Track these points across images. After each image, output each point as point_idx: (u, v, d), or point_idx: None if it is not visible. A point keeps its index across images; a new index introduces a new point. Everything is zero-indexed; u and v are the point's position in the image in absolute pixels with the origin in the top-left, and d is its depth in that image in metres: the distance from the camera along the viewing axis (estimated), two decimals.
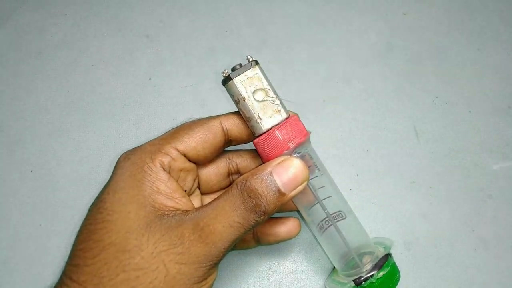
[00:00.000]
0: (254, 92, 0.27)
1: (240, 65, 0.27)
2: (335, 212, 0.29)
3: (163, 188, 0.25)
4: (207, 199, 0.31)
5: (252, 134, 0.28)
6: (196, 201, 0.30)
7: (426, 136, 0.41)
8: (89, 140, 0.41)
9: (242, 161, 0.32)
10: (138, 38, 0.46)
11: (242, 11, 0.48)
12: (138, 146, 0.27)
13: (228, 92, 0.28)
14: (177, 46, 0.46)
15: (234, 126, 0.29)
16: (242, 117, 0.28)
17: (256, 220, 0.24)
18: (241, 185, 0.25)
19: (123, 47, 0.46)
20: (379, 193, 0.38)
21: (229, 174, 0.32)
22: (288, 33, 0.47)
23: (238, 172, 0.32)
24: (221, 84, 0.28)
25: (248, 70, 0.27)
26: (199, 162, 0.29)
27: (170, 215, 0.24)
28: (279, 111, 0.27)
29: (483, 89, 0.44)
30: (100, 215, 0.24)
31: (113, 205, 0.24)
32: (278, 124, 0.27)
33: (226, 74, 0.27)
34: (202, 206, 0.25)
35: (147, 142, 0.28)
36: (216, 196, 0.27)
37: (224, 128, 0.28)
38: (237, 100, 0.27)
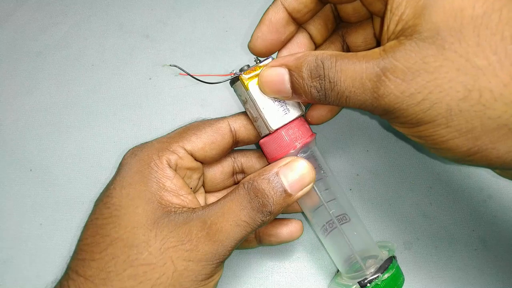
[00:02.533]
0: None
1: (248, 66, 0.27)
2: (340, 215, 0.29)
3: (169, 184, 0.25)
4: (211, 197, 0.31)
5: (258, 134, 0.28)
6: (200, 198, 0.30)
7: None
8: (89, 139, 0.41)
9: (247, 161, 0.32)
10: (138, 38, 0.46)
11: (242, 11, 0.48)
12: (145, 143, 0.28)
13: (235, 92, 0.28)
14: (177, 46, 0.46)
15: (242, 127, 0.29)
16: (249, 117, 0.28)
17: (262, 220, 0.25)
18: (248, 185, 0.25)
19: (123, 47, 0.46)
20: (379, 193, 0.38)
21: (234, 173, 0.32)
22: None
23: (243, 172, 0.32)
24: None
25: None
26: (205, 162, 0.29)
27: (177, 212, 0.24)
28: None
29: None
30: (107, 210, 0.24)
31: (120, 200, 0.24)
32: (284, 124, 0.27)
33: (234, 75, 0.27)
34: (209, 205, 0.25)
35: (155, 139, 0.28)
36: (220, 195, 0.27)
37: (232, 129, 0.29)
38: (245, 100, 0.27)
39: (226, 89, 0.43)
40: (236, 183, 0.32)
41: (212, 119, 0.29)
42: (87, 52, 0.45)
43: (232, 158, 0.32)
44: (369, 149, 0.40)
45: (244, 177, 0.31)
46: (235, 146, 0.30)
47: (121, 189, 0.25)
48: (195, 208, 0.25)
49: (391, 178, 0.39)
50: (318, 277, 0.35)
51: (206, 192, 0.31)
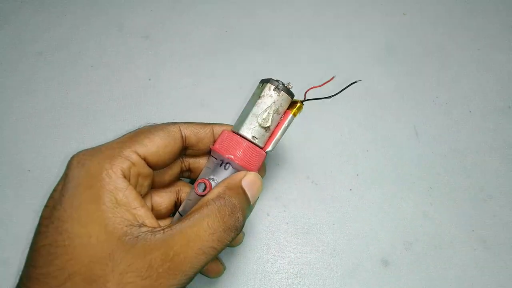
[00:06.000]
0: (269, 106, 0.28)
1: (289, 92, 0.29)
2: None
3: (121, 198, 0.24)
4: (156, 197, 0.30)
5: (207, 144, 0.30)
6: (147, 202, 0.29)
7: (426, 136, 0.41)
8: (88, 140, 0.41)
9: (194, 161, 0.32)
10: (138, 38, 0.46)
11: (242, 11, 0.48)
12: (93, 148, 0.26)
13: (263, 90, 0.29)
14: (177, 47, 0.46)
15: (192, 134, 0.29)
16: (201, 125, 0.29)
17: (232, 238, 0.24)
18: (221, 203, 0.24)
19: (123, 47, 0.46)
20: (379, 193, 0.38)
21: (181, 172, 0.32)
22: (288, 33, 0.47)
23: (189, 170, 0.32)
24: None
25: (285, 95, 0.29)
26: (157, 168, 0.28)
27: (134, 236, 0.23)
28: (263, 136, 0.28)
29: (483, 89, 0.44)
30: (60, 237, 0.22)
31: (72, 226, 0.23)
32: (257, 144, 0.28)
33: (289, 85, 0.29)
34: (171, 227, 0.24)
35: (103, 145, 0.26)
36: (165, 194, 0.28)
37: (183, 134, 0.28)
38: (275, 110, 0.29)
39: (225, 90, 0.43)
40: (182, 174, 0.32)
41: (162, 123, 0.28)
42: (86, 53, 0.45)
43: (180, 159, 0.31)
44: (369, 149, 0.40)
45: (190, 175, 0.32)
46: (183, 153, 0.30)
47: (71, 211, 0.23)
48: (153, 229, 0.23)
49: (391, 178, 0.39)
50: (316, 276, 0.35)
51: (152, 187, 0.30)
